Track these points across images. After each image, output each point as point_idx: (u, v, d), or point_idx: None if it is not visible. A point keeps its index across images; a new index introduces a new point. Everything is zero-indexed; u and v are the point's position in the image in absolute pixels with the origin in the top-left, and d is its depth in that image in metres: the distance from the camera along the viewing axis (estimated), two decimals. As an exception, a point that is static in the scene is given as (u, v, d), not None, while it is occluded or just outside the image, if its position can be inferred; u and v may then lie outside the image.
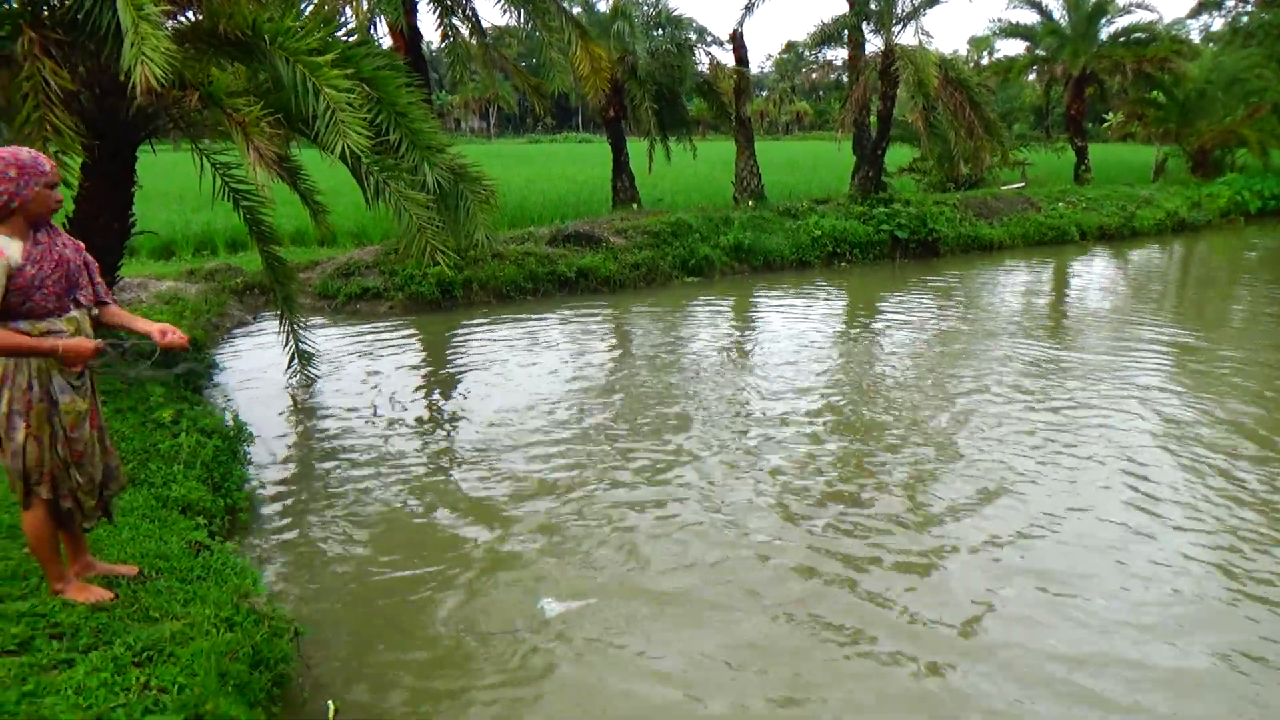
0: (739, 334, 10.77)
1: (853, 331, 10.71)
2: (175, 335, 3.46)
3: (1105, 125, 42.73)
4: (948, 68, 17.28)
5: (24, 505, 3.33)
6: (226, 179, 7.44)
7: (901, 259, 16.06)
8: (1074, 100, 25.21)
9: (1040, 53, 26.75)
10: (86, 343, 3.24)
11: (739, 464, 6.28)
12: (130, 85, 4.71)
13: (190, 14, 6.18)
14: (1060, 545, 5.06)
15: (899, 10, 17.50)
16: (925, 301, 12.33)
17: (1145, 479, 5.94)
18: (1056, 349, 9.54)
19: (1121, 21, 24.79)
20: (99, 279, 3.51)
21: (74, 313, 3.32)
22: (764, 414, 7.36)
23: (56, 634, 3.25)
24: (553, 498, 5.74)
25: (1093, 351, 9.40)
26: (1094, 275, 15.65)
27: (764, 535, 5.20)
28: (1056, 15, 25.10)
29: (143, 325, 3.51)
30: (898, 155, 20.36)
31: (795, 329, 10.56)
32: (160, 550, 4.10)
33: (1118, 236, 19.28)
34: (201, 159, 7.28)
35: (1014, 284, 14.42)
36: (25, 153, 3.18)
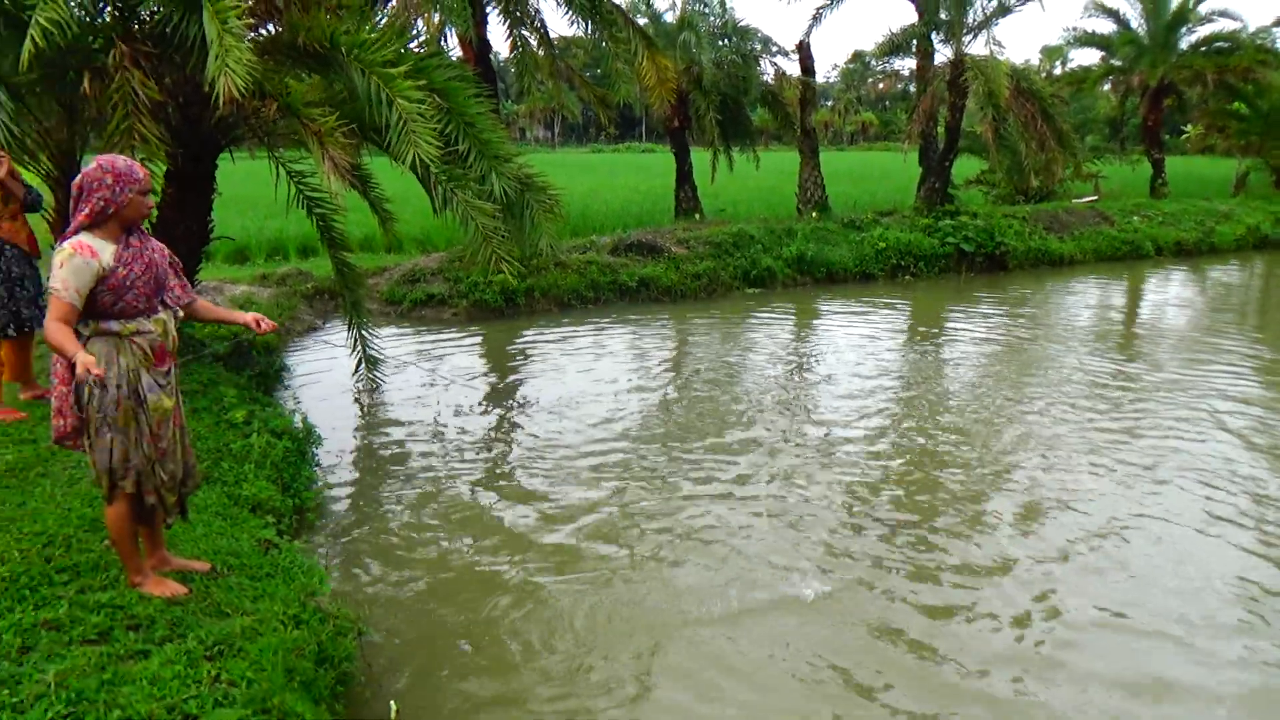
0: (800, 346, 10.69)
1: (916, 345, 10.56)
2: (267, 324, 3.65)
3: (1184, 137, 41.45)
4: (1019, 78, 16.98)
5: (108, 500, 3.45)
6: (301, 186, 7.64)
7: (968, 273, 15.79)
8: (1151, 111, 24.52)
9: (1116, 63, 26.10)
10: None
11: (799, 476, 6.23)
12: (213, 96, 4.87)
13: (271, 27, 6.37)
14: (1125, 568, 4.92)
15: (970, 20, 17.27)
16: (992, 316, 12.10)
17: (1218, 500, 5.75)
18: (1128, 365, 9.29)
19: (1203, 30, 24.08)
20: (184, 277, 3.64)
21: (161, 314, 3.45)
22: (825, 426, 7.29)
23: (134, 625, 3.36)
24: (613, 506, 5.76)
25: (1166, 368, 9.13)
26: (1169, 291, 15.20)
27: (823, 548, 5.15)
28: (1134, 24, 24.46)
29: (237, 316, 3.70)
30: (965, 167, 20.04)
31: (858, 342, 10.45)
32: (231, 547, 4.21)
33: (1195, 252, 18.69)
34: (277, 167, 7.48)
35: (1085, 299, 14.07)
36: (121, 161, 3.32)
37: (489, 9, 14.21)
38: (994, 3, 17.52)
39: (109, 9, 6.03)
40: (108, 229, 3.30)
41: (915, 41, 18.39)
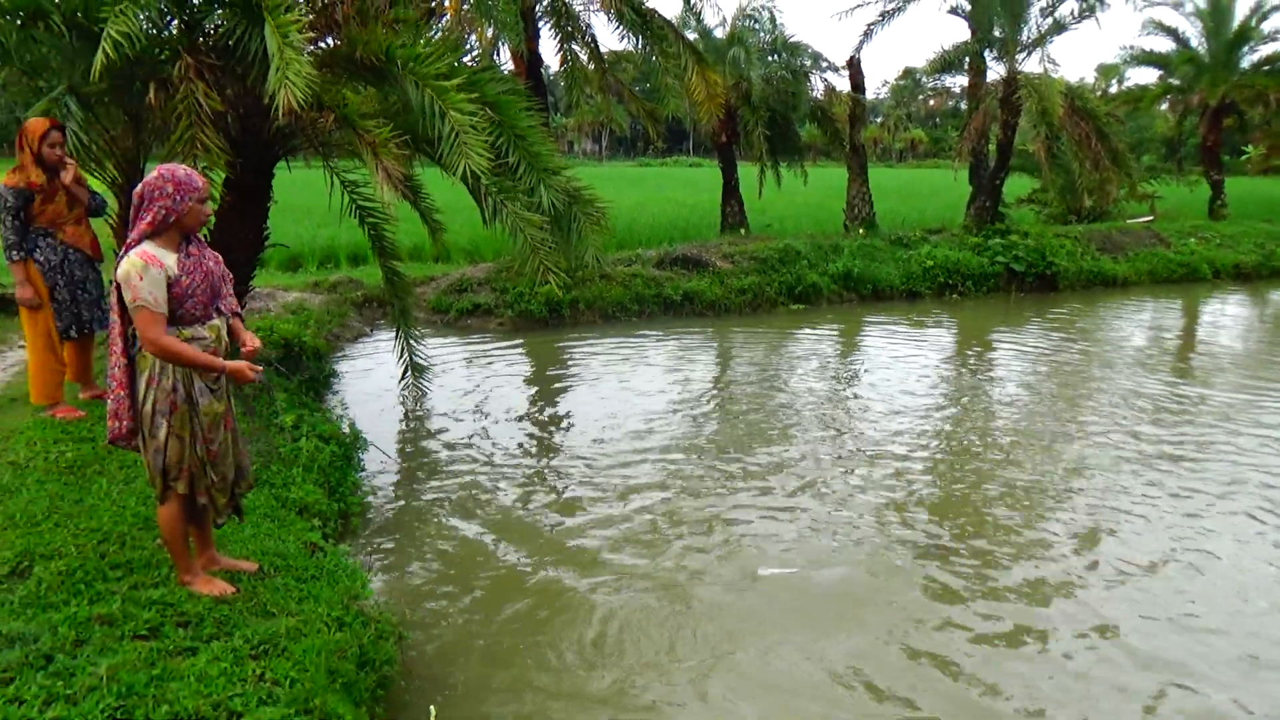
0: (844, 363, 10.61)
1: (964, 365, 10.43)
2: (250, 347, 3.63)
3: (1244, 158, 40.46)
4: (1074, 96, 16.75)
5: (161, 499, 3.54)
6: (354, 196, 7.78)
7: (1017, 293, 15.56)
8: (1210, 131, 24.00)
9: (1174, 81, 25.58)
10: (247, 373, 3.44)
11: (840, 493, 6.18)
12: (273, 107, 4.99)
13: (330, 41, 6.50)
14: (1184, 599, 4.80)
15: (1024, 37, 17.09)
16: (1042, 336, 11.91)
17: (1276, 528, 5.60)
18: (1184, 388, 9.08)
19: (1265, 49, 23.51)
20: (231, 291, 3.73)
21: (215, 320, 3.54)
22: (868, 444, 7.23)
23: (183, 622, 3.43)
24: (653, 518, 5.76)
25: (1223, 392, 8.91)
26: (1227, 315, 14.83)
27: (864, 569, 5.10)
28: (1194, 43, 23.97)
29: (245, 337, 3.68)
30: (1017, 186, 19.78)
31: (903, 360, 10.34)
32: (278, 549, 4.29)
33: (1255, 276, 18.21)
34: (332, 177, 7.63)
35: (1139, 321, 13.79)
36: (180, 170, 3.40)
37: (541, 23, 14.38)
38: (1049, 20, 17.34)
39: (176, 22, 6.21)
40: (168, 237, 3.39)
41: (968, 59, 18.24)
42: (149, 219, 3.34)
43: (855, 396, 8.85)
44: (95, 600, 3.48)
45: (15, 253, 5.47)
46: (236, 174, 6.43)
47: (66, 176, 5.56)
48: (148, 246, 3.34)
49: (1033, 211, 22.15)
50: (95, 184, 6.36)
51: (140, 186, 3.37)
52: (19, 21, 5.47)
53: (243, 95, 6.53)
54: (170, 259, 3.36)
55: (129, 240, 3.37)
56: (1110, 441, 7.36)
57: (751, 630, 4.45)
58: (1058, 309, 14.27)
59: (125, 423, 3.43)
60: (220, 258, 3.67)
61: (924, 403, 8.54)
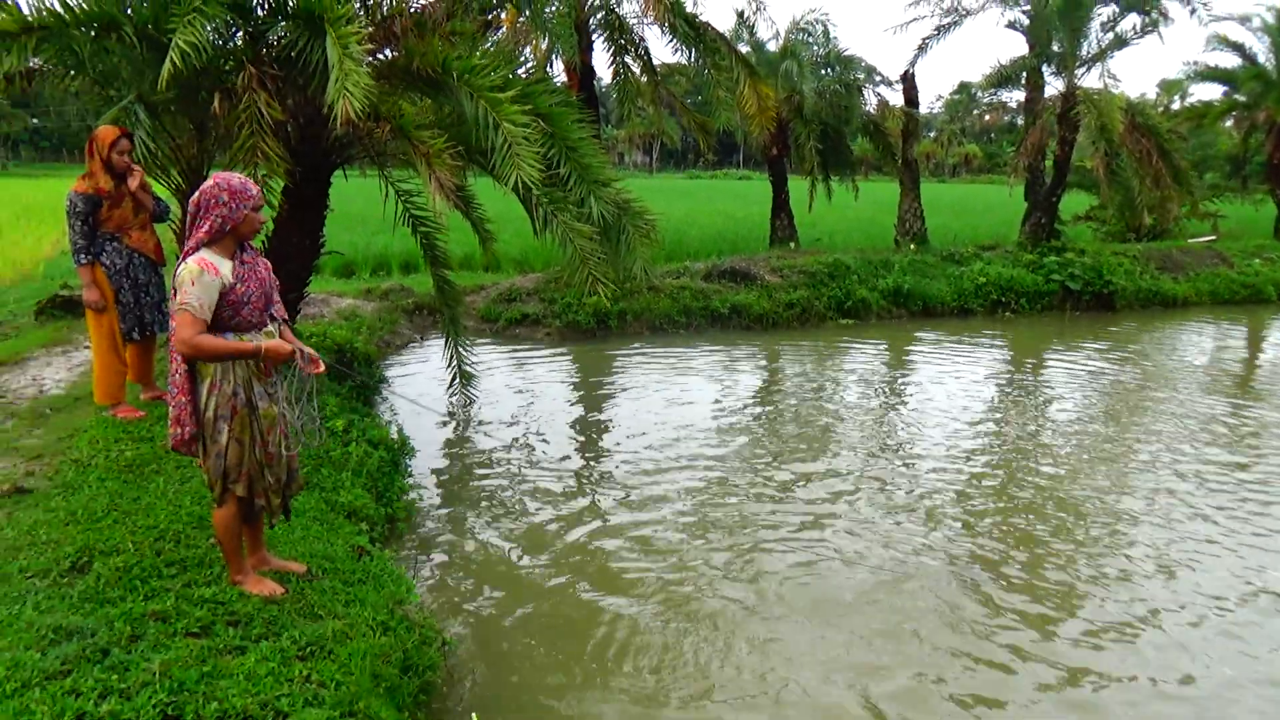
0: (892, 380, 10.49)
1: (1015, 384, 10.25)
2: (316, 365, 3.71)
3: (1312, 177, 39.28)
4: (1135, 112, 16.42)
5: (219, 501, 3.61)
6: (407, 205, 7.90)
7: (1073, 311, 15.26)
8: (1277, 149, 23.31)
9: (1240, 98, 24.91)
10: (284, 345, 3.53)
11: (882, 511, 6.10)
12: (332, 117, 5.09)
13: (388, 52, 6.62)
14: (1244, 637, 4.65)
15: (1084, 52, 16.79)
16: (1098, 357, 11.65)
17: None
18: (1246, 413, 8.80)
19: (1336, 66, 22.78)
20: (278, 298, 3.81)
21: (269, 326, 3.62)
22: (913, 462, 7.13)
23: (233, 621, 3.50)
24: (696, 530, 5.74)
25: (1289, 422, 8.63)
26: (1293, 339, 14.38)
27: (905, 595, 5.02)
28: (1261, 58, 23.32)
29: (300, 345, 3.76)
30: (1073, 202, 19.41)
31: (953, 378, 10.19)
32: (326, 552, 4.35)
33: (1323, 299, 17.63)
34: (386, 186, 7.75)
35: (1199, 343, 13.43)
36: (235, 178, 3.48)
37: (595, 36, 14.50)
38: (1110, 35, 17.00)
39: (240, 34, 6.37)
40: (224, 245, 3.47)
41: (1025, 73, 17.98)
42: (206, 226, 3.41)
43: (901, 414, 8.74)
44: (150, 597, 3.57)
45: (83, 256, 5.64)
46: (295, 182, 6.57)
47: (133, 182, 5.73)
48: (205, 253, 3.42)
49: (1090, 229, 21.72)
50: (160, 190, 6.55)
51: (197, 194, 3.45)
52: (93, 33, 5.65)
53: (302, 105, 6.67)
54: (226, 266, 3.44)
55: (187, 247, 3.46)
56: (1170, 466, 7.17)
57: (804, 653, 4.40)
58: (1115, 328, 13.96)
59: (187, 429, 3.51)
60: (270, 265, 3.74)
61: (971, 422, 8.40)
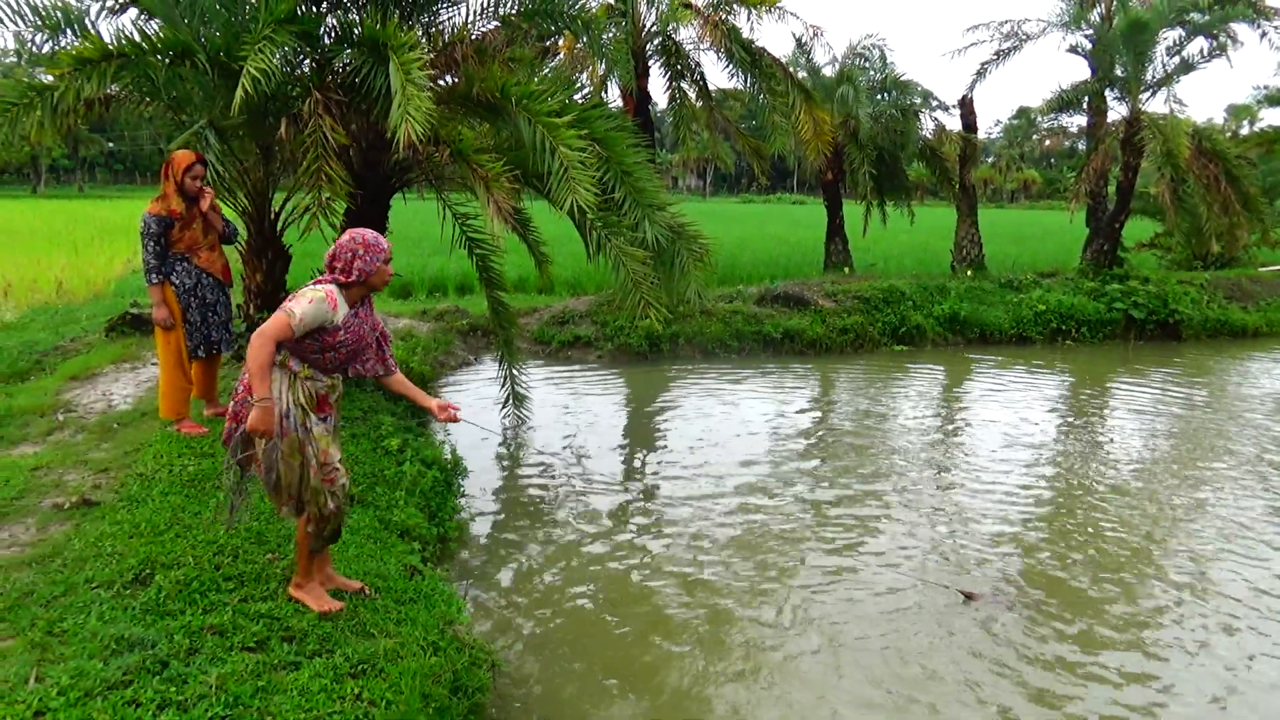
0: (948, 407, 10.31)
1: (1076, 415, 10.00)
2: (452, 410, 3.88)
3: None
4: (1201, 138, 16.06)
5: (295, 512, 3.68)
6: (464, 228, 8.01)
7: (1136, 341, 14.88)
8: (1352, 176, 22.61)
9: (1313, 123, 24.24)
10: (264, 421, 3.44)
11: (935, 542, 5.98)
12: (394, 141, 5.20)
13: (448, 78, 6.75)
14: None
15: (1148, 77, 16.45)
16: (1163, 387, 11.33)
17: None
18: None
19: None
20: (389, 350, 3.95)
21: (337, 375, 3.74)
22: (967, 493, 6.98)
23: (288, 637, 3.54)
24: (747, 552, 5.69)
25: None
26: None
27: (953, 634, 4.90)
28: (1335, 83, 22.71)
29: (424, 400, 3.93)
30: (1137, 229, 18.97)
31: (1011, 407, 9.98)
32: (379, 570, 4.40)
33: (1402, 331, 16.95)
34: (444, 209, 7.88)
35: (1272, 375, 12.98)
36: (369, 233, 3.66)
37: (651, 62, 14.63)
38: (1175, 59, 16.66)
39: (307, 61, 6.55)
40: (352, 293, 3.63)
41: (1087, 98, 17.68)
42: (341, 269, 3.58)
43: (956, 443, 8.58)
44: (209, 610, 3.63)
45: (154, 276, 5.82)
46: (356, 205, 6.71)
47: (204, 204, 5.90)
48: (335, 289, 3.56)
49: (1154, 256, 21.22)
50: (228, 212, 6.73)
51: (333, 249, 3.63)
52: (168, 60, 5.86)
53: (365, 130, 6.83)
54: (343, 311, 3.58)
55: (322, 277, 3.60)
56: (1239, 504, 6.92)
57: (848, 689, 4.33)
58: (1181, 359, 13.57)
59: (237, 429, 3.58)
60: (379, 324, 3.88)
61: (1028, 452, 8.21)
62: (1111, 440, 8.82)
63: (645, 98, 14.48)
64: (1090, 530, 6.32)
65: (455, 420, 3.89)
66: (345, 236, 3.64)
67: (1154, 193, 17.58)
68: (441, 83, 6.72)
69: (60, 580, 3.82)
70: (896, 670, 4.42)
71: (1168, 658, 4.61)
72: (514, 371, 8.54)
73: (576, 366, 11.66)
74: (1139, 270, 17.16)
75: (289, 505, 3.64)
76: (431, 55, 6.46)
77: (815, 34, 16.91)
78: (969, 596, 5.10)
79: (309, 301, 3.46)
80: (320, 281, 3.59)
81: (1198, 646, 4.72)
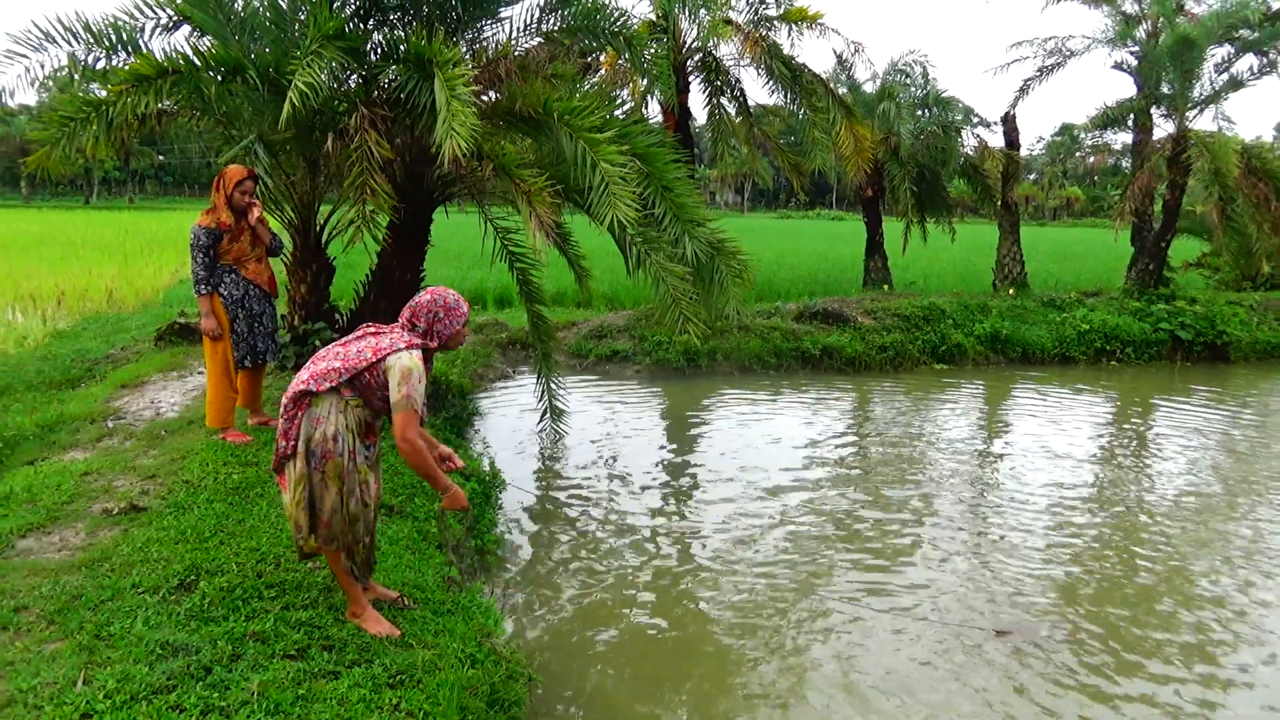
0: (987, 428, 10.18)
1: (1120, 438, 9.82)
2: (454, 461, 4.07)
3: None
4: (1251, 156, 15.76)
5: (324, 543, 3.71)
6: (505, 242, 8.07)
7: (1183, 362, 14.59)
8: None
9: (1369, 141, 23.68)
10: (464, 499, 3.87)
11: (968, 568, 5.89)
12: (438, 156, 5.27)
13: (492, 94, 6.83)
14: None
15: (1196, 94, 16.20)
16: (1210, 412, 11.08)
17: None
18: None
19: None
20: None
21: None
22: (1005, 517, 6.87)
23: (328, 646, 3.57)
24: (784, 572, 5.64)
25: None
26: None
27: (990, 669, 4.82)
28: (1391, 100, 22.18)
29: (440, 449, 4.03)
30: (1184, 249, 18.62)
31: (1052, 429, 9.82)
32: (417, 581, 4.42)
33: None
34: (485, 223, 7.95)
35: (1324, 400, 12.65)
36: (450, 296, 3.77)
37: (692, 78, 14.67)
38: (1224, 76, 16.39)
39: (354, 77, 6.67)
40: (427, 352, 3.73)
41: (1133, 115, 17.43)
42: (423, 331, 3.69)
43: (994, 465, 8.45)
44: (251, 617, 3.68)
45: (203, 286, 5.94)
46: (399, 218, 6.79)
47: (252, 217, 6.02)
48: (421, 354, 3.64)
49: (1202, 276, 20.82)
50: (275, 225, 6.85)
51: (414, 304, 3.73)
52: (220, 76, 5.99)
53: (409, 144, 6.92)
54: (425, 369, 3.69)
55: (409, 339, 3.64)
56: (1290, 529, 6.75)
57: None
58: (1230, 382, 13.28)
59: (288, 446, 3.61)
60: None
61: (1073, 478, 8.06)
62: (1157, 465, 8.64)
63: (685, 113, 14.53)
64: (1133, 559, 6.19)
65: (458, 468, 4.13)
66: (427, 295, 3.72)
67: (1201, 211, 17.28)
68: (485, 98, 6.79)
69: (108, 585, 3.88)
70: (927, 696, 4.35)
71: (1219, 697, 4.49)
72: (552, 385, 8.58)
73: (614, 381, 11.68)
74: (1186, 290, 16.85)
75: (322, 532, 3.62)
76: (475, 71, 6.55)
77: (856, 50, 16.88)
78: (1001, 634, 4.98)
79: (419, 381, 3.55)
80: (411, 346, 3.61)
81: (1246, 679, 4.60)
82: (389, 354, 3.56)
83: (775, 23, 14.48)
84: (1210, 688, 4.50)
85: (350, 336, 3.79)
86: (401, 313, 3.77)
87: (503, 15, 7.38)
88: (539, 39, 7.68)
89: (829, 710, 4.19)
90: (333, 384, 3.55)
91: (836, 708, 4.21)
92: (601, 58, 12.81)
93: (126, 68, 5.92)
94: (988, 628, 5.02)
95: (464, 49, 7.20)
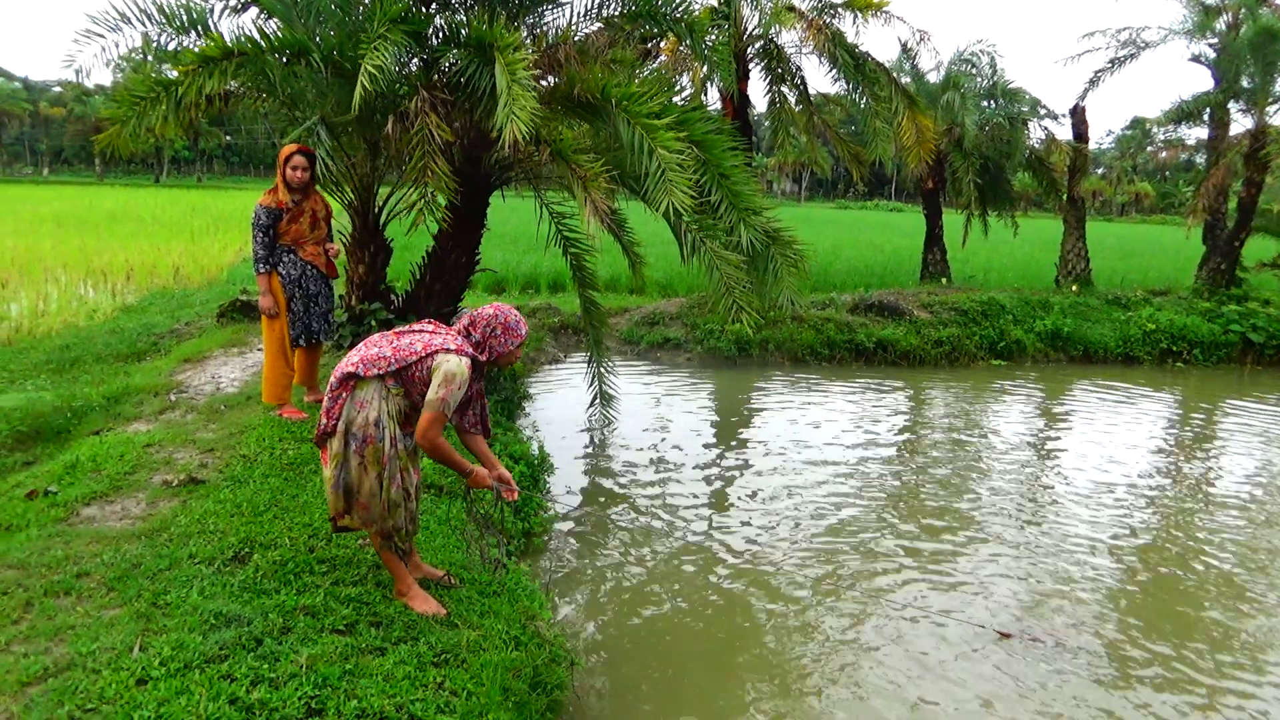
0: (1044, 430, 9.95)
1: (1183, 444, 9.52)
2: (511, 490, 4.03)
3: None
4: (1335, 153, 15.11)
5: (361, 523, 3.75)
6: (560, 227, 8.09)
7: (1253, 366, 14.10)
8: None
9: None
10: (487, 478, 3.89)
11: (1018, 577, 5.76)
12: (498, 140, 5.28)
13: (550, 79, 6.82)
14: None
15: (1278, 88, 15.58)
16: (1282, 417, 10.70)
17: None
18: None
19: None
20: (488, 416, 4.06)
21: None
22: (1064, 527, 6.71)
23: (375, 622, 3.62)
24: (825, 565, 5.59)
25: None
26: None
27: (1029, 680, 4.71)
28: None
29: (496, 467, 4.02)
30: (1258, 248, 17.97)
31: (1113, 432, 9.56)
32: (464, 561, 4.47)
33: None
34: (541, 207, 7.97)
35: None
36: (511, 315, 3.80)
37: (752, 65, 14.53)
38: (1310, 70, 15.74)
39: (415, 61, 6.71)
40: (478, 362, 3.75)
41: (1209, 110, 16.84)
42: (477, 344, 3.73)
43: (1051, 468, 8.25)
44: (302, 591, 3.74)
45: (262, 265, 6.04)
46: (456, 201, 6.84)
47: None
48: (471, 364, 3.65)
49: (1276, 278, 20.06)
50: (335, 206, 6.94)
51: (473, 315, 3.78)
52: (284, 59, 6.08)
53: (468, 128, 6.96)
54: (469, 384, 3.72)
55: (461, 344, 3.66)
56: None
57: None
58: (1303, 387, 12.79)
59: (329, 424, 3.64)
60: (483, 390, 4.00)
61: (1129, 485, 7.83)
62: (1220, 473, 8.36)
63: (744, 101, 14.39)
64: (1185, 576, 6.01)
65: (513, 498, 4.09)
66: (490, 309, 3.76)
67: (1278, 210, 16.64)
68: (544, 83, 6.79)
69: (166, 554, 3.98)
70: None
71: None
72: (603, 370, 8.59)
73: (665, 368, 11.66)
74: (1259, 291, 16.26)
75: (359, 514, 3.66)
76: (535, 56, 6.54)
77: (922, 39, 16.55)
78: (1005, 635, 4.85)
79: (458, 387, 3.56)
80: (462, 351, 3.63)
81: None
82: (439, 352, 3.60)
83: (839, 10, 14.24)
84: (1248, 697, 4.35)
85: (406, 328, 3.81)
86: (461, 317, 3.79)
87: (563, 0, 7.38)
88: (599, 24, 7.66)
89: (862, 705, 4.14)
90: (380, 371, 3.59)
91: (869, 701, 4.16)
92: (662, 44, 12.73)
93: (196, 49, 6.04)
94: (988, 626, 4.91)
95: (524, 33, 7.20)
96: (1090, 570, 5.81)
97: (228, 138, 73.53)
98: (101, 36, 6.50)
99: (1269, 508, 7.28)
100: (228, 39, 6.06)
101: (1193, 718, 4.22)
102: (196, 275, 15.76)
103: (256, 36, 5.96)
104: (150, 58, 6.92)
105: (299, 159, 6.02)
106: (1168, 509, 7.13)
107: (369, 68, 5.32)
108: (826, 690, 4.28)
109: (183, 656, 3.13)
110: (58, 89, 74.08)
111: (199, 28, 6.65)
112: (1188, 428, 10.24)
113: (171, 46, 6.68)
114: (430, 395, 3.55)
